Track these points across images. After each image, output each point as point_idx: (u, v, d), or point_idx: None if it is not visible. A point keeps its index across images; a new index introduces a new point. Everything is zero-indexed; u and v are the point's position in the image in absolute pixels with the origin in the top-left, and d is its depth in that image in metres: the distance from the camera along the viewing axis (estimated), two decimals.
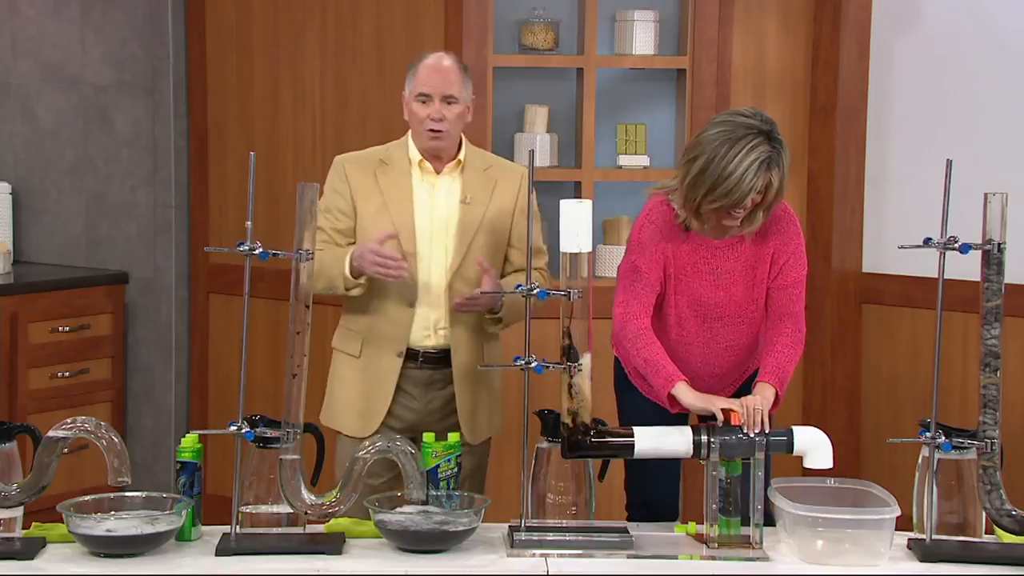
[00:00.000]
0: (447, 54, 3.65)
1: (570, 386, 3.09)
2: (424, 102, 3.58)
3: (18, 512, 3.04)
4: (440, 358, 3.65)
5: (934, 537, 3.11)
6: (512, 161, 3.80)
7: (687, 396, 3.26)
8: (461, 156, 3.66)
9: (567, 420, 3.10)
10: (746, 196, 3.22)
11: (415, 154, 3.65)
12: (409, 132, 3.69)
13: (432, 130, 3.58)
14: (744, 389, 3.53)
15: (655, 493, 3.56)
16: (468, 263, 3.62)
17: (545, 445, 3.23)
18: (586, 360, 3.09)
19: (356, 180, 3.63)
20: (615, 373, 3.65)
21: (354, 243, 3.61)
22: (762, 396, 3.24)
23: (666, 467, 3.41)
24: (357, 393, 3.66)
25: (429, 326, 3.63)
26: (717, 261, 3.41)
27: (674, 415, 3.38)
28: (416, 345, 3.63)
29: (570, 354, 3.08)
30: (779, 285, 3.43)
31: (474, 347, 3.67)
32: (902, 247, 3.19)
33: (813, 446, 3.13)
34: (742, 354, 3.49)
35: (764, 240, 3.41)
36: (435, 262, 3.62)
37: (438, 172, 3.65)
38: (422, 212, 3.62)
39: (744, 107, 3.38)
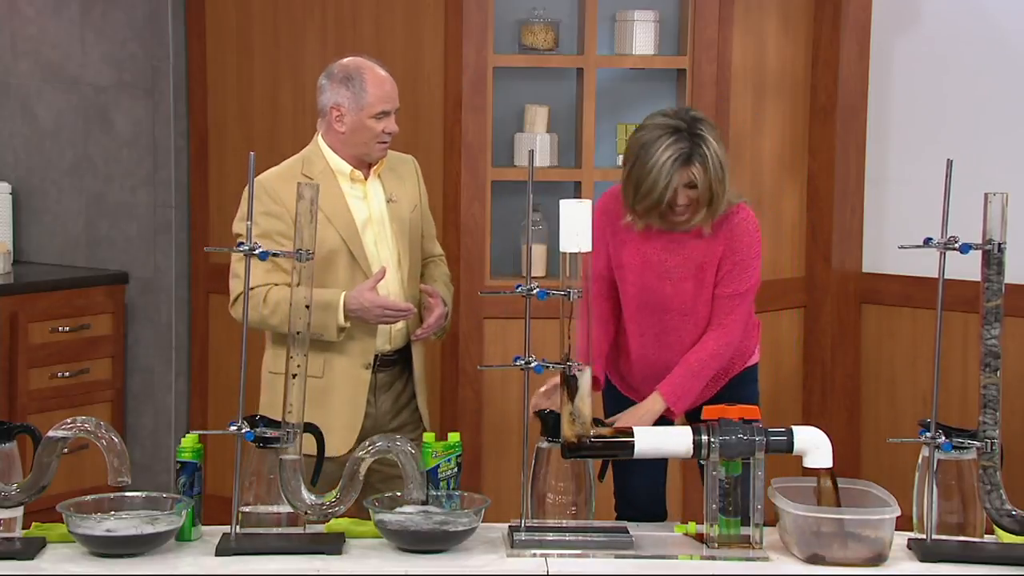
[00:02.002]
0: (377, 62, 3.66)
1: (571, 413, 3.07)
2: (381, 118, 3.60)
3: (18, 512, 3.04)
4: (392, 360, 3.70)
5: (934, 537, 3.11)
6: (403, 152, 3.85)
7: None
8: (384, 157, 3.69)
9: (572, 441, 3.09)
10: (667, 193, 3.29)
11: (341, 164, 3.64)
12: (318, 142, 3.66)
13: (384, 142, 3.62)
14: (728, 390, 3.58)
15: (635, 490, 3.61)
16: (412, 260, 3.69)
17: (545, 445, 3.22)
18: (585, 376, 3.07)
19: (291, 199, 3.27)
20: None
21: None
22: (647, 410, 3.38)
23: (643, 464, 3.40)
24: (326, 414, 3.49)
25: (387, 331, 3.65)
26: (664, 255, 3.45)
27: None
28: (378, 351, 3.66)
29: (569, 382, 3.07)
30: (718, 293, 3.47)
31: (425, 345, 3.77)
32: (902, 247, 3.18)
33: (813, 446, 3.13)
34: None
35: (713, 241, 3.43)
36: (385, 265, 3.64)
37: (366, 178, 3.67)
38: (361, 219, 3.62)
39: (678, 107, 3.42)
